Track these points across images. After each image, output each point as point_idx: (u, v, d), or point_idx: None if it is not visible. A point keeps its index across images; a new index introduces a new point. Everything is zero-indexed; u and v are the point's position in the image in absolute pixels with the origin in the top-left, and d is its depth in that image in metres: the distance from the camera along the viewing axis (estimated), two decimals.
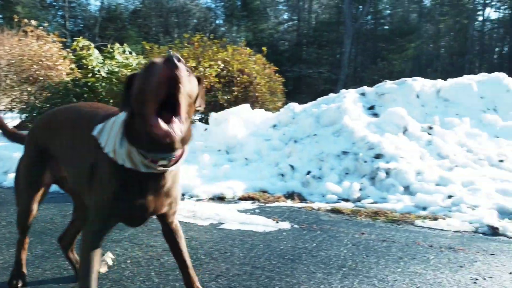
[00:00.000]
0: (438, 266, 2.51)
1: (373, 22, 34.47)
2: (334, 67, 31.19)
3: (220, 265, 2.48)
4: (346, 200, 4.25)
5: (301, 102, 7.20)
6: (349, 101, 6.08)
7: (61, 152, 1.90)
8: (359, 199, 4.24)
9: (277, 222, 3.44)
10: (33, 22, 9.55)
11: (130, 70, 8.05)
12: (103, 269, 2.36)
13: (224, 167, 5.16)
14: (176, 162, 1.51)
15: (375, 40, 31.31)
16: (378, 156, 4.81)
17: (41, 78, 8.88)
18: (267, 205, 4.07)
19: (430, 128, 5.73)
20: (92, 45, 8.44)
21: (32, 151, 2.02)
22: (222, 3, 39.66)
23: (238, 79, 7.98)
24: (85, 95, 7.72)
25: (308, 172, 4.82)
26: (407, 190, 4.33)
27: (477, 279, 2.33)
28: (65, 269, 2.39)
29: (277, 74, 9.26)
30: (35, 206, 2.03)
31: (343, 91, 6.79)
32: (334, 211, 3.85)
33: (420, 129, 5.70)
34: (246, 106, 6.90)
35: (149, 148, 1.43)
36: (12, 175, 4.78)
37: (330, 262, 2.56)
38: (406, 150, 4.99)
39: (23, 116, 8.31)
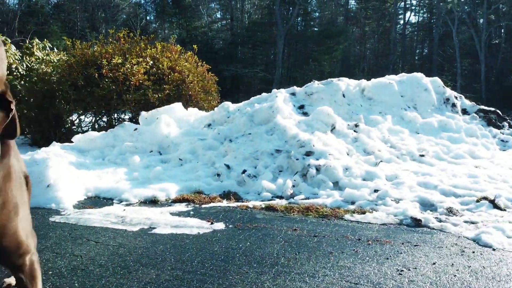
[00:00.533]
0: (366, 259, 2.62)
1: (303, 24, 35.53)
2: (269, 67, 31.70)
3: (150, 272, 2.38)
4: (280, 197, 4.30)
5: (239, 101, 7.18)
6: (280, 100, 6.20)
7: None
8: (292, 196, 4.31)
9: (212, 223, 3.39)
10: None
11: (51, 67, 7.53)
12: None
13: (157, 168, 4.97)
14: None
15: (305, 41, 32.24)
16: (308, 154, 4.94)
17: None
18: (203, 206, 3.99)
19: (356, 125, 6.02)
20: (9, 40, 7.76)
21: None
22: None
23: (169, 77, 7.77)
24: None
25: (244, 171, 4.81)
26: (336, 185, 4.50)
27: (402, 270, 2.45)
28: None
29: (211, 73, 9.15)
30: None
31: (274, 90, 6.91)
32: (269, 208, 3.88)
33: (347, 127, 5.97)
34: (178, 104, 6.74)
35: None
36: None
37: (263, 261, 2.56)
38: (334, 147, 5.19)
39: None
